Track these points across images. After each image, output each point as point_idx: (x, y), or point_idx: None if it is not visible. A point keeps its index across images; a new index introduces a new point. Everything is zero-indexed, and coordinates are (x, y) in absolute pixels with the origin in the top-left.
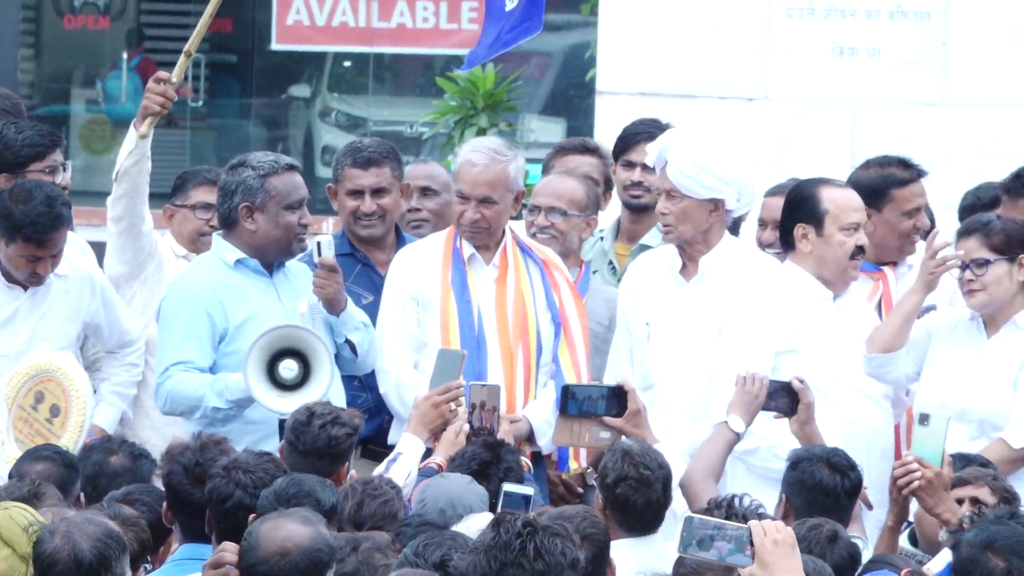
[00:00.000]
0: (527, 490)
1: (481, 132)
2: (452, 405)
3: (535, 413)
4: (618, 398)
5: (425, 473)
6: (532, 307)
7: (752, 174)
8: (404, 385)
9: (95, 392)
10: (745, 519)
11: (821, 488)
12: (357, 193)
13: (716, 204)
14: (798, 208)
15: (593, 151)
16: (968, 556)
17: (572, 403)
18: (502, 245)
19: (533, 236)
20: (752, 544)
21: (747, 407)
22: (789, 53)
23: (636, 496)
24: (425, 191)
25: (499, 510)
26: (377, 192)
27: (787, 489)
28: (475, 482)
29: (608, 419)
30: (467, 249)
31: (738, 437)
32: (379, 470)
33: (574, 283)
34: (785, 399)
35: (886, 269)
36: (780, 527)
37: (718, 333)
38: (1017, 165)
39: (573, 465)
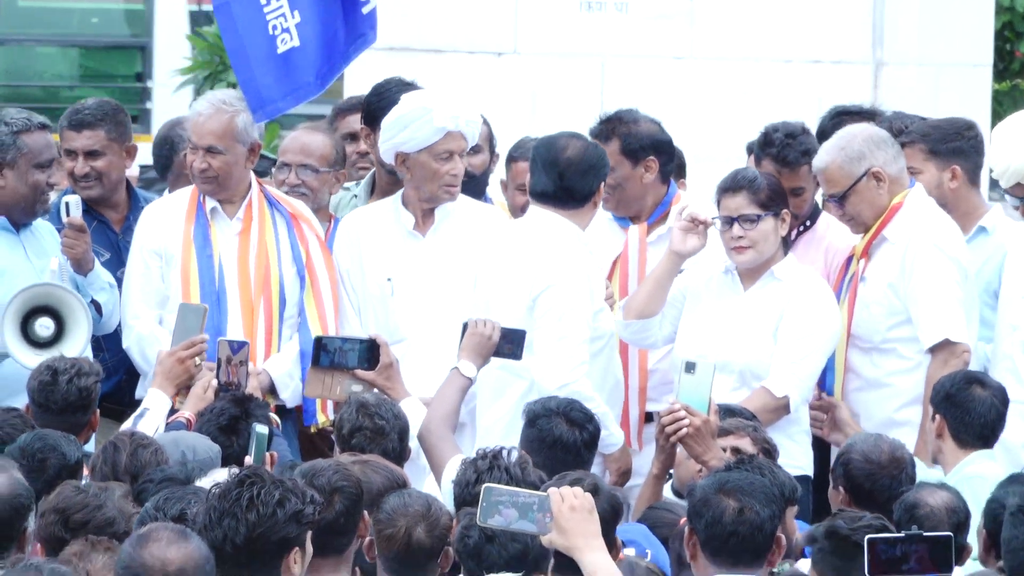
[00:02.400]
0: (262, 429)
1: (232, 86)
2: (197, 360)
3: (276, 366)
4: (371, 351)
5: (174, 427)
6: (276, 260)
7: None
8: (146, 339)
9: None
10: (508, 472)
11: (560, 443)
12: (71, 154)
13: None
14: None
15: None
16: (702, 498)
17: (324, 355)
18: (247, 199)
19: (286, 194)
20: (550, 511)
21: (478, 350)
22: (537, 7)
23: (372, 446)
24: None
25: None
26: (90, 155)
27: (526, 446)
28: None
29: (360, 372)
30: (210, 203)
31: (470, 381)
32: (126, 426)
33: (323, 238)
34: (512, 345)
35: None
36: (578, 493)
37: (473, 284)
38: (764, 118)
39: (321, 418)
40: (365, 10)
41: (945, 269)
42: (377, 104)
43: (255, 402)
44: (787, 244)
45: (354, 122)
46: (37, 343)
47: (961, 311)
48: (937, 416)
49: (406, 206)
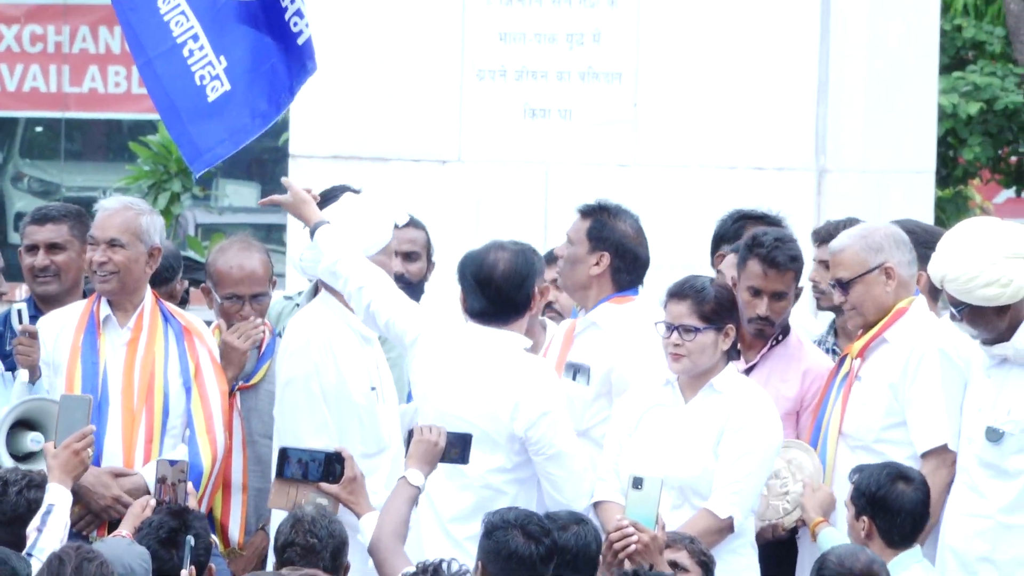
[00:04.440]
0: (191, 540)
1: (175, 197)
2: (89, 451)
3: (151, 472)
4: (336, 464)
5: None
6: (163, 370)
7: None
8: None
9: None
10: None
11: (516, 557)
12: (33, 248)
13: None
14: None
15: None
16: None
17: (287, 466)
18: (139, 308)
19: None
20: None
21: (425, 456)
22: (481, 115)
23: (302, 563)
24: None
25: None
26: (52, 248)
27: (483, 556)
28: (135, 544)
29: (324, 485)
30: (104, 311)
31: (418, 490)
32: (35, 524)
33: (260, 349)
34: (459, 449)
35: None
36: None
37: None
38: (708, 225)
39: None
40: (300, 41)
41: (949, 376)
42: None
43: (193, 514)
44: (738, 353)
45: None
46: (18, 456)
47: (956, 421)
48: (864, 518)
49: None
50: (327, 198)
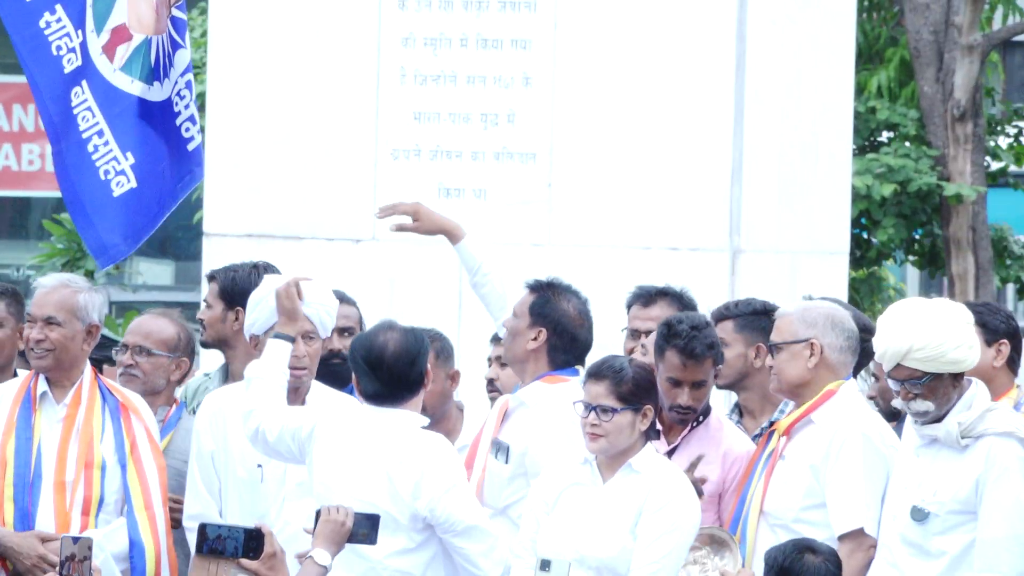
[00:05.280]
0: None
1: (89, 275)
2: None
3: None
4: (255, 540)
5: None
6: (98, 447)
7: None
8: None
9: None
10: None
11: None
12: None
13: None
14: None
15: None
16: None
17: (205, 542)
18: (77, 384)
19: (120, 374)
20: None
21: (332, 536)
22: (396, 194)
23: None
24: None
25: None
26: None
27: None
28: None
29: (244, 561)
30: (41, 387)
31: (325, 570)
32: None
33: (164, 420)
34: (366, 530)
35: None
36: None
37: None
38: (620, 303)
39: None
40: (191, 147)
41: (871, 460)
42: (231, 285)
43: None
44: (654, 432)
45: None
46: None
47: (876, 505)
48: None
49: None
50: (232, 271)
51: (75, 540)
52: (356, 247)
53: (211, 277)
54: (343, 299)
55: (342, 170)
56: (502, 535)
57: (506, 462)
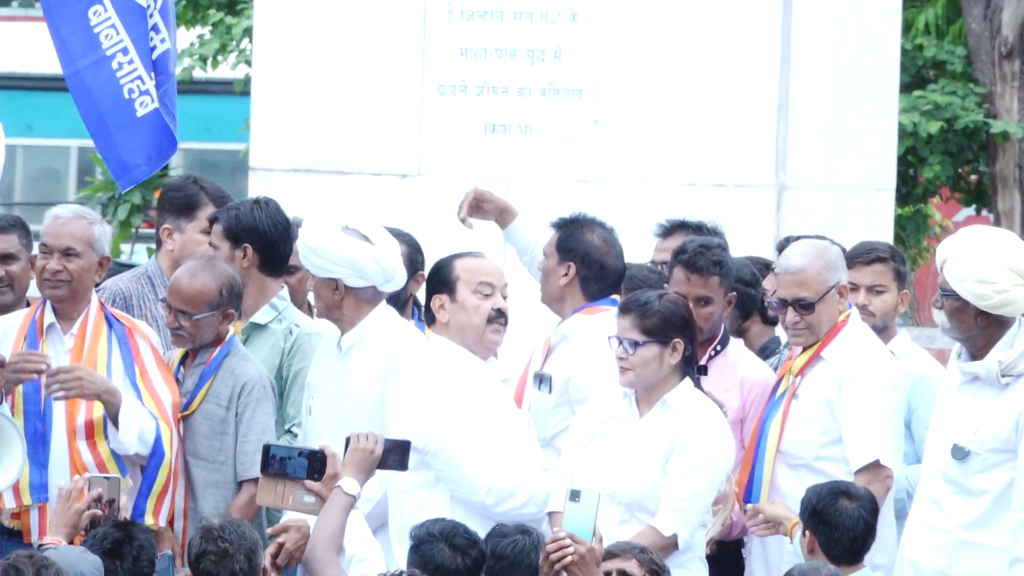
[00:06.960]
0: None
1: (135, 208)
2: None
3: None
4: (320, 461)
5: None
6: (107, 374)
7: (366, 252)
8: None
9: None
10: None
11: (443, 570)
12: None
13: (336, 283)
14: (432, 280)
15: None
16: None
17: (271, 463)
18: (83, 315)
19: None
20: None
21: (361, 464)
22: (441, 130)
23: (218, 569)
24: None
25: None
26: (6, 258)
27: (411, 569)
28: (88, 552)
29: (308, 482)
30: (48, 318)
31: (353, 499)
32: None
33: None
34: (397, 456)
35: None
36: None
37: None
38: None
39: (149, 520)
40: (154, 55)
41: (883, 393)
42: (235, 223)
43: (137, 526)
44: (695, 368)
45: None
46: None
47: (892, 436)
48: (807, 532)
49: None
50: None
51: (106, 478)
52: (402, 182)
53: (213, 219)
54: (397, 235)
55: (388, 105)
56: (549, 464)
57: (549, 392)
